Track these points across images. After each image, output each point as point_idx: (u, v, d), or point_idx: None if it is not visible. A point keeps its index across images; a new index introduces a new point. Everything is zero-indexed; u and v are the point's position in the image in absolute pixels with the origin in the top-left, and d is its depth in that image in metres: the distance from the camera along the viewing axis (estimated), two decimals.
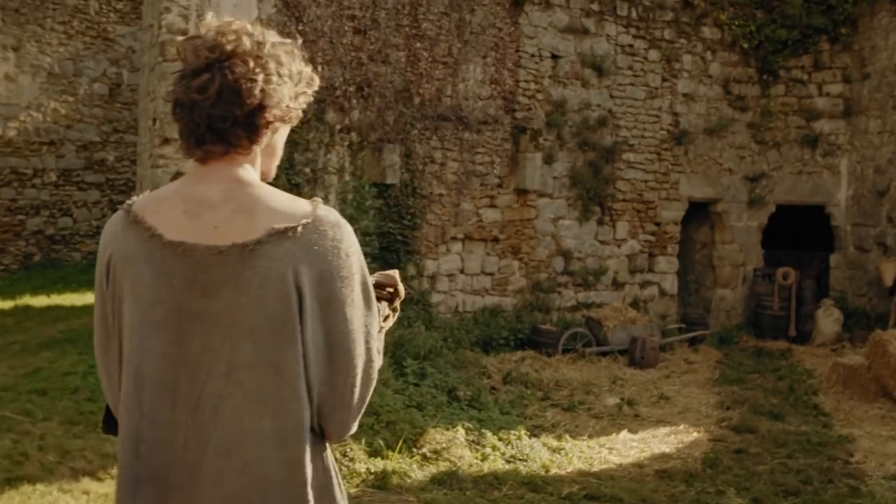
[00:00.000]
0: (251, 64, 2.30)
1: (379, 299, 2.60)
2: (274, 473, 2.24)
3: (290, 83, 2.38)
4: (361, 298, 2.34)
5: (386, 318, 2.67)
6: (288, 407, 2.24)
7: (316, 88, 2.50)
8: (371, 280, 2.51)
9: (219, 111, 2.27)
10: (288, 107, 2.38)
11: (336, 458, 7.46)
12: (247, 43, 2.32)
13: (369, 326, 2.37)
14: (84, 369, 9.63)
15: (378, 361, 2.47)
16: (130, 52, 19.56)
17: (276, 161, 2.54)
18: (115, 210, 19.02)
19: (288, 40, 2.44)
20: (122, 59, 19.55)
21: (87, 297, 15.00)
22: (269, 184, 2.45)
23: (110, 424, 2.50)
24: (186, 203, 2.32)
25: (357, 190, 12.54)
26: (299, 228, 2.25)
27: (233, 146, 2.33)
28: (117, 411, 2.39)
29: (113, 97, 19.47)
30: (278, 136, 2.48)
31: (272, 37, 2.40)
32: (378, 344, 2.50)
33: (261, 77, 2.30)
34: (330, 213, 2.33)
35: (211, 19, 2.39)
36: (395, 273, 2.76)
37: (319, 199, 2.37)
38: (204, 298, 2.25)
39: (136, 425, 2.29)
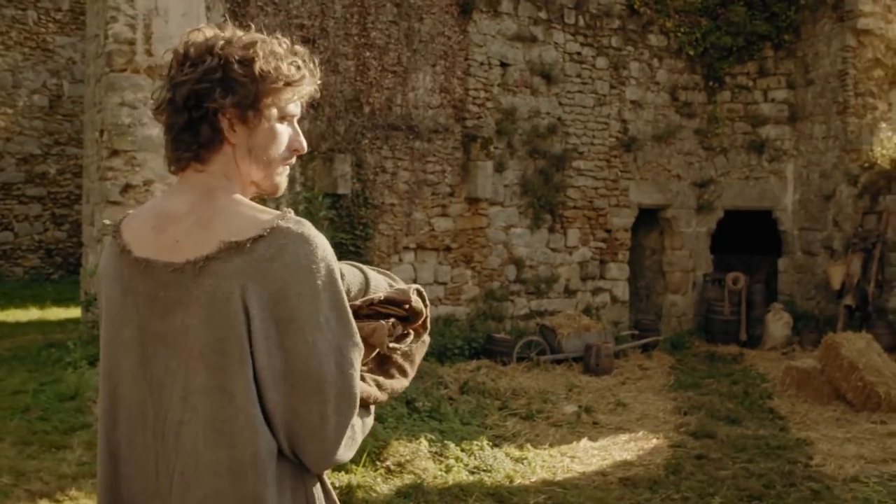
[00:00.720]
0: (194, 69, 2.18)
1: (388, 317, 2.40)
2: None
3: (244, 81, 2.19)
4: (333, 318, 2.11)
5: (402, 337, 2.43)
6: (242, 435, 2.07)
7: (298, 79, 2.27)
8: (384, 289, 2.41)
9: (169, 120, 2.21)
10: (243, 106, 2.20)
11: None
12: (192, 50, 2.21)
13: (344, 349, 2.12)
14: (34, 387, 9.40)
15: (396, 384, 2.37)
16: (71, 62, 19.27)
17: (267, 167, 2.30)
18: (57, 224, 18.76)
19: (259, 37, 2.26)
20: (62, 70, 19.25)
21: (32, 313, 14.71)
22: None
23: None
24: (157, 217, 2.23)
25: (310, 201, 12.41)
26: (248, 243, 2.07)
27: (186, 151, 2.21)
28: None
29: (53, 109, 19.16)
30: (258, 140, 2.25)
31: (236, 36, 2.25)
32: (404, 363, 2.40)
33: (215, 74, 2.18)
34: (296, 225, 2.12)
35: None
36: (412, 289, 2.46)
37: (289, 211, 2.17)
38: (163, 318, 2.13)
39: (114, 446, 2.22)
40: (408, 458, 8.10)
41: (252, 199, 2.33)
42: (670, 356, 14.80)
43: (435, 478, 7.95)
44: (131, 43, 10.75)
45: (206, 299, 2.07)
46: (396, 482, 7.69)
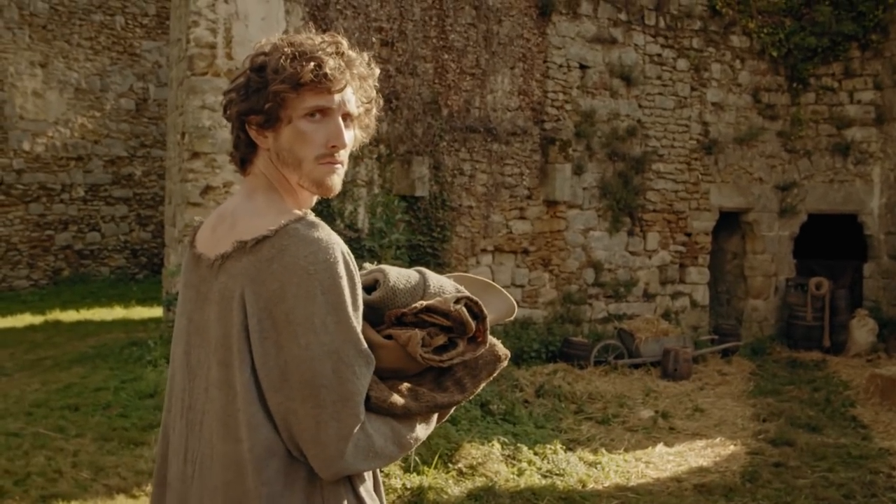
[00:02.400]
0: (279, 55, 2.24)
1: (427, 325, 2.32)
2: (239, 499, 2.12)
3: (258, 87, 2.24)
4: (331, 321, 2.09)
5: (444, 348, 2.33)
6: (242, 431, 2.11)
7: (314, 77, 2.24)
8: (421, 303, 2.36)
9: (230, 116, 2.32)
10: (258, 111, 2.24)
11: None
12: (266, 54, 2.28)
13: (342, 353, 2.09)
14: (116, 385, 9.59)
15: (445, 397, 2.32)
16: (157, 66, 19.63)
17: (298, 167, 2.30)
18: (142, 225, 19.15)
19: (302, 39, 2.31)
20: (148, 74, 19.61)
21: (116, 312, 15.01)
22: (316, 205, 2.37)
23: None
24: (217, 216, 2.35)
25: (386, 203, 12.47)
26: (253, 243, 2.13)
27: (235, 161, 2.35)
28: None
29: (140, 112, 19.52)
30: (282, 143, 2.28)
31: (281, 42, 2.30)
32: (464, 378, 2.36)
33: (231, 90, 2.29)
34: (304, 227, 2.15)
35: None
36: (454, 298, 2.35)
37: (309, 213, 2.23)
38: (200, 310, 2.24)
39: (168, 428, 2.36)
40: (480, 460, 8.10)
41: (312, 203, 2.42)
42: (750, 362, 14.59)
43: (507, 481, 7.94)
44: (212, 47, 10.91)
45: (218, 296, 2.17)
46: (468, 484, 7.70)
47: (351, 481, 2.22)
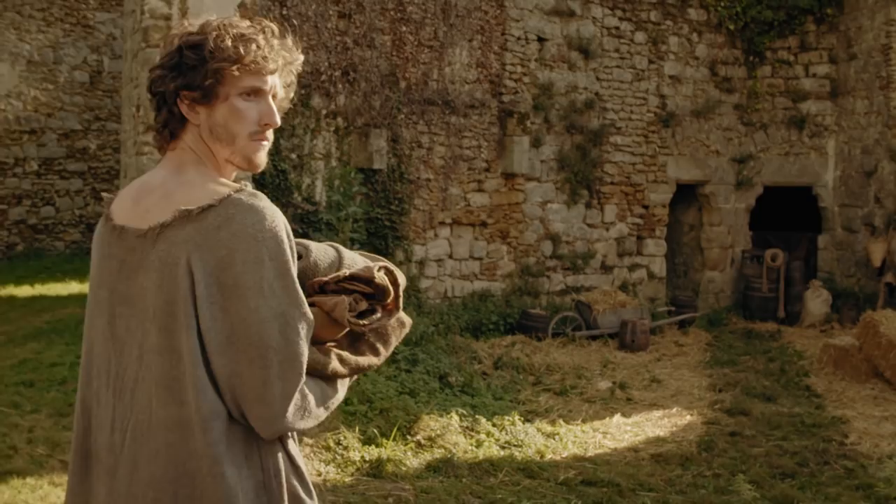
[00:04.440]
0: (160, 60, 2.35)
1: (352, 293, 2.44)
2: (182, 461, 2.18)
3: (194, 64, 2.31)
4: (278, 286, 2.18)
5: (367, 313, 2.45)
6: (188, 394, 2.17)
7: (252, 58, 2.35)
8: (355, 264, 2.52)
9: (156, 89, 2.37)
10: (194, 87, 2.31)
11: (329, 447, 7.39)
12: (165, 43, 2.39)
13: (288, 316, 2.19)
14: (72, 360, 9.50)
15: (363, 360, 2.47)
16: (111, 38, 19.35)
17: (231, 143, 2.39)
18: (97, 199, 18.93)
19: (220, 22, 2.38)
20: (102, 46, 19.33)
21: (72, 287, 14.86)
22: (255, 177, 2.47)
23: None
24: (138, 189, 2.39)
25: (344, 176, 12.42)
26: (196, 211, 2.20)
27: (159, 129, 2.38)
28: None
29: (94, 85, 19.25)
30: (217, 119, 2.36)
31: (212, 23, 2.37)
32: (376, 342, 2.52)
33: (160, 67, 2.35)
34: (247, 197, 2.22)
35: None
36: (376, 266, 2.49)
37: (248, 184, 2.31)
38: (128, 281, 2.29)
39: (88, 400, 2.37)
40: (438, 432, 8.12)
41: (235, 177, 2.47)
42: (707, 333, 14.73)
43: (465, 452, 7.97)
44: (167, 18, 10.76)
45: (158, 264, 2.21)
46: (426, 456, 7.72)
47: (281, 439, 2.33)
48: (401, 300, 2.55)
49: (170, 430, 2.18)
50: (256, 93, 2.38)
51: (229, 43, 2.31)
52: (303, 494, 2.35)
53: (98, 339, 2.36)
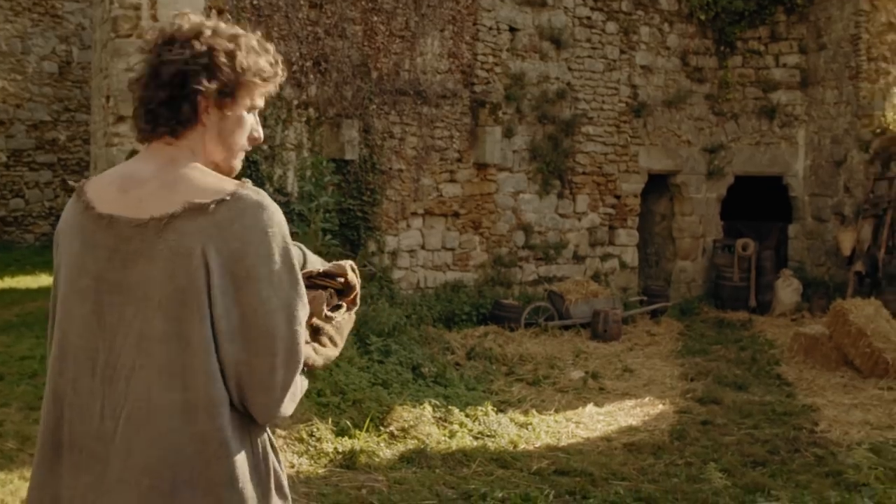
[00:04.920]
0: (216, 40, 2.39)
1: (327, 288, 2.59)
2: (183, 446, 2.23)
3: (227, 70, 2.38)
4: (285, 279, 2.29)
5: (336, 308, 2.61)
6: (197, 380, 2.22)
7: (271, 76, 2.50)
8: (320, 266, 2.64)
9: (149, 93, 2.37)
10: (223, 94, 2.39)
11: (302, 439, 7.38)
12: (178, 33, 2.38)
13: (293, 308, 2.30)
14: (42, 353, 9.41)
15: (330, 352, 2.59)
16: (80, 28, 19.18)
17: (229, 150, 2.50)
18: (67, 191, 18.74)
19: (241, 32, 2.48)
20: (71, 37, 19.17)
21: (42, 280, 14.74)
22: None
23: None
24: (122, 179, 2.39)
25: (315, 166, 12.38)
26: (212, 205, 2.25)
27: (161, 125, 2.38)
28: None
29: (63, 75, 19.09)
30: (227, 125, 2.45)
31: (221, 27, 2.45)
32: (334, 333, 2.62)
33: (204, 56, 2.36)
34: (254, 194, 2.30)
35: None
36: (347, 264, 2.66)
37: (248, 181, 2.36)
38: (123, 269, 2.29)
39: (61, 390, 2.36)
40: (411, 423, 8.12)
41: None
42: (679, 322, 14.79)
43: (438, 443, 7.97)
44: (137, 8, 10.69)
45: (168, 253, 2.24)
46: (400, 447, 7.71)
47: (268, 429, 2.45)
48: (359, 297, 2.71)
49: (171, 416, 2.23)
50: (256, 109, 2.53)
51: (263, 63, 2.45)
52: (282, 475, 2.45)
53: (77, 327, 2.35)
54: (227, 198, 2.26)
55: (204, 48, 2.36)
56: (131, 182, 2.37)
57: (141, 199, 2.31)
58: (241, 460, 2.29)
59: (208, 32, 2.39)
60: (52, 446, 2.37)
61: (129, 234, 2.29)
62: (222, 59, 2.36)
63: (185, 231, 2.24)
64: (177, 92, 2.34)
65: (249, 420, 2.33)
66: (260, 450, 2.37)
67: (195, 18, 2.43)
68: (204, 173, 2.37)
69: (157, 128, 2.39)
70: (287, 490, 2.46)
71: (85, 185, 2.46)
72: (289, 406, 2.34)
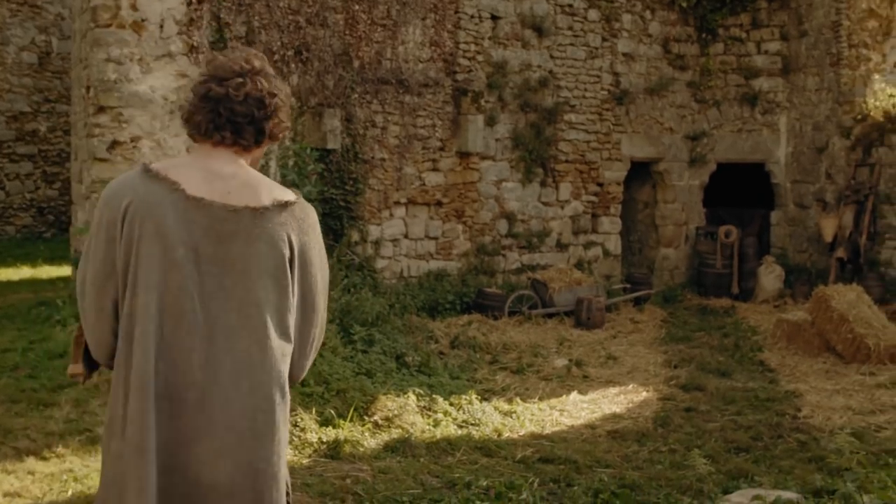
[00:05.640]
0: (273, 82, 2.97)
1: None
2: (271, 395, 2.79)
3: (286, 109, 3.01)
4: (325, 268, 3.00)
5: None
6: (282, 341, 2.83)
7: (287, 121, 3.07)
8: None
9: (243, 108, 2.87)
10: (284, 124, 3.02)
11: None
12: (267, 67, 3.00)
13: (327, 291, 3.01)
14: (23, 345, 9.39)
15: None
16: (59, 19, 19.09)
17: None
18: (48, 182, 18.59)
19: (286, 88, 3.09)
20: (50, 27, 19.06)
21: (23, 272, 14.69)
22: None
23: (91, 363, 2.98)
24: (203, 171, 2.86)
25: (298, 155, 12.34)
26: (294, 205, 2.90)
27: (242, 139, 2.92)
28: (103, 350, 2.85)
29: (43, 66, 19.00)
30: (258, 155, 3.06)
31: (276, 77, 3.05)
32: None
33: (277, 95, 2.97)
34: (305, 201, 2.98)
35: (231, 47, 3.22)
36: None
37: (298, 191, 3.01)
38: (219, 245, 2.78)
39: (156, 346, 2.72)
40: (396, 412, 8.11)
41: None
42: (662, 310, 14.82)
43: (423, 432, 7.97)
44: None
45: (266, 237, 2.83)
46: (384, 436, 7.72)
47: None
48: None
49: (262, 371, 2.79)
50: None
51: (285, 118, 3.04)
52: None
53: (173, 290, 2.75)
54: (297, 201, 2.93)
55: (283, 93, 3.01)
56: (214, 175, 2.87)
57: (229, 191, 2.84)
58: (285, 414, 2.87)
59: (274, 79, 3.01)
60: (151, 395, 2.70)
61: (224, 217, 2.80)
62: (286, 110, 3.02)
63: (275, 221, 2.84)
64: (263, 119, 2.94)
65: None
66: (288, 409, 2.93)
67: (259, 58, 3.02)
68: (268, 179, 2.96)
69: (238, 139, 2.92)
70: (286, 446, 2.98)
71: (154, 167, 2.86)
72: (308, 369, 3.05)
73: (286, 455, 2.92)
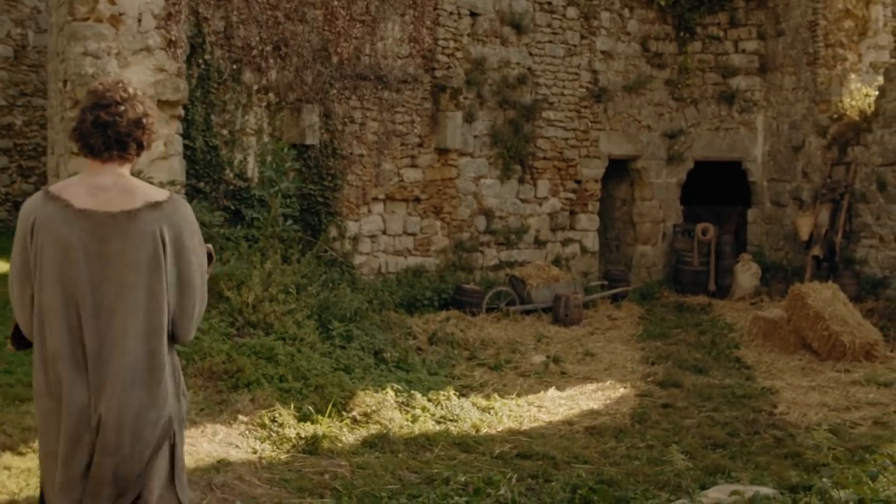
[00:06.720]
0: (146, 103, 3.67)
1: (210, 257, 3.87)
2: (141, 357, 3.47)
3: (155, 122, 3.72)
4: (200, 250, 3.65)
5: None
6: (155, 315, 3.50)
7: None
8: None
9: (126, 130, 3.55)
10: (155, 135, 3.75)
11: (265, 424, 7.38)
12: (139, 91, 3.67)
13: (203, 267, 3.67)
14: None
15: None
16: (35, 12, 18.91)
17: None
18: (24, 176, 18.41)
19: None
20: (26, 20, 18.88)
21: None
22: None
23: (20, 342, 3.72)
24: (88, 187, 3.53)
25: (276, 151, 12.31)
26: (162, 203, 3.53)
27: (127, 154, 3.60)
28: (28, 330, 3.57)
29: (18, 59, 18.81)
30: (138, 158, 3.75)
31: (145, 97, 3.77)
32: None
33: (150, 114, 3.65)
34: (181, 198, 3.74)
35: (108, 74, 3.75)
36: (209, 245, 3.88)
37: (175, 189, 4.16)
38: (102, 244, 3.46)
39: (70, 324, 3.46)
40: (374, 408, 8.10)
41: None
42: (639, 306, 14.87)
43: (401, 427, 7.97)
44: None
45: (138, 233, 3.46)
46: (362, 432, 7.70)
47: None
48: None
49: (137, 338, 3.47)
50: None
51: (155, 129, 3.75)
52: (182, 382, 3.75)
53: (72, 282, 3.44)
54: (167, 199, 3.55)
55: (153, 108, 3.73)
56: (97, 189, 3.51)
57: (108, 200, 3.48)
58: (167, 367, 3.57)
59: (148, 101, 3.72)
60: (72, 360, 3.44)
61: (105, 222, 3.45)
62: (153, 120, 3.68)
63: (147, 219, 3.48)
64: (142, 135, 3.60)
65: (170, 343, 3.63)
66: (177, 361, 3.71)
67: (134, 87, 3.67)
68: (143, 183, 3.64)
69: (123, 154, 3.57)
70: (186, 392, 3.77)
71: (51, 189, 3.54)
72: (194, 331, 3.74)
73: (173, 397, 3.60)
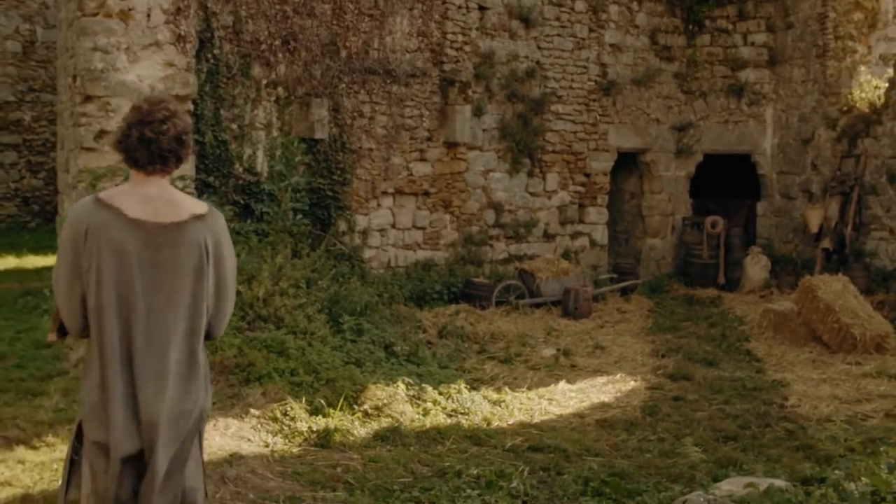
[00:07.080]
0: (185, 120, 3.91)
1: None
2: (183, 355, 3.83)
3: (191, 137, 3.99)
4: (233, 258, 4.03)
5: None
6: (197, 317, 3.86)
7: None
8: None
9: (170, 146, 3.82)
10: (191, 149, 4.07)
11: (277, 418, 7.39)
12: (179, 109, 3.94)
13: (235, 272, 4.06)
14: (10, 335, 9.36)
15: None
16: (44, 7, 18.95)
17: None
18: (33, 172, 18.46)
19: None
20: (35, 16, 18.93)
21: (8, 262, 14.62)
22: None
23: (62, 332, 3.99)
24: (138, 196, 3.82)
25: (285, 145, 12.32)
26: (207, 215, 3.88)
27: (168, 167, 3.87)
28: (73, 325, 3.85)
29: (27, 55, 18.86)
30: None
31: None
32: None
33: (188, 131, 3.92)
34: (217, 209, 4.05)
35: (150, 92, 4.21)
36: None
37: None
38: (154, 252, 3.77)
39: (122, 323, 3.75)
40: (385, 401, 8.11)
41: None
42: (649, 299, 14.87)
43: (412, 421, 7.97)
44: None
45: (186, 243, 3.80)
46: (374, 425, 7.71)
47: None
48: None
49: (180, 336, 3.82)
50: None
51: (191, 143, 4.04)
52: (210, 378, 4.08)
53: (125, 285, 3.73)
54: (208, 212, 3.89)
55: (190, 123, 4.02)
56: (146, 199, 3.81)
57: (158, 211, 3.79)
58: (203, 362, 3.95)
59: (187, 117, 3.99)
60: (117, 359, 3.73)
61: (156, 232, 3.77)
62: (190, 135, 3.96)
63: (193, 230, 3.81)
64: (181, 150, 3.87)
65: (205, 341, 3.99)
66: (206, 359, 4.00)
67: (175, 105, 3.94)
68: (184, 195, 3.98)
69: (165, 167, 3.84)
70: (210, 387, 4.04)
71: (101, 196, 3.83)
72: (225, 328, 4.16)
73: (204, 391, 3.93)
